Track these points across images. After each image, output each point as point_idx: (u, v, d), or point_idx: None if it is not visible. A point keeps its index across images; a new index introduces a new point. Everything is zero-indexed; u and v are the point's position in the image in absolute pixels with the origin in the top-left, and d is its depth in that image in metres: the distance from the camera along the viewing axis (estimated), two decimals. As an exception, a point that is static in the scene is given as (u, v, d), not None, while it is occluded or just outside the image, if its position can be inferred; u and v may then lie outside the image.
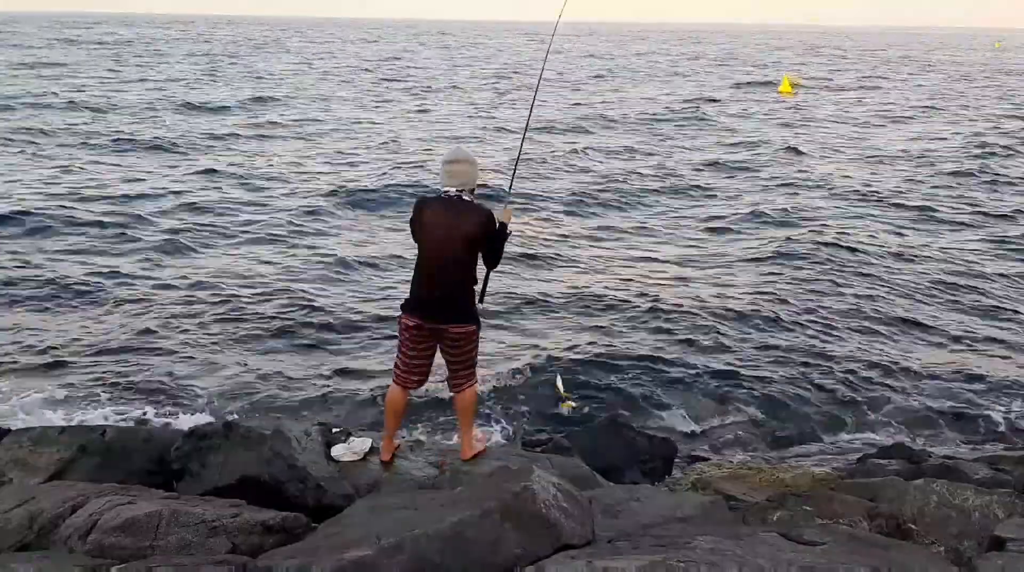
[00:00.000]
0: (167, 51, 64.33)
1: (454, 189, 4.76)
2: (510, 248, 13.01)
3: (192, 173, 18.75)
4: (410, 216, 4.99)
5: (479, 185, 5.00)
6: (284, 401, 8.16)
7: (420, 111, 31.95)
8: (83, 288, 10.91)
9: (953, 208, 16.98)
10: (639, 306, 10.78)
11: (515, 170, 5.77)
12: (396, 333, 5.18)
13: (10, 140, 21.75)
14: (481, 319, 5.03)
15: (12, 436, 5.60)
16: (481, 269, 4.95)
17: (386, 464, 5.19)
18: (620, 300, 11.01)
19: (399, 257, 12.48)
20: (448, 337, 4.89)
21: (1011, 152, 23.55)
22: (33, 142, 21.77)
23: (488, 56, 74.18)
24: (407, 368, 5.05)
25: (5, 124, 24.19)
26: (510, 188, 5.77)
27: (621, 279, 11.93)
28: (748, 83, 46.38)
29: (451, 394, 5.25)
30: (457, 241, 4.72)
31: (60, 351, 9.02)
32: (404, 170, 19.38)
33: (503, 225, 4.83)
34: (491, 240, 4.78)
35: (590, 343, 9.70)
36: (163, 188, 16.99)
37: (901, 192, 18.22)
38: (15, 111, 27.20)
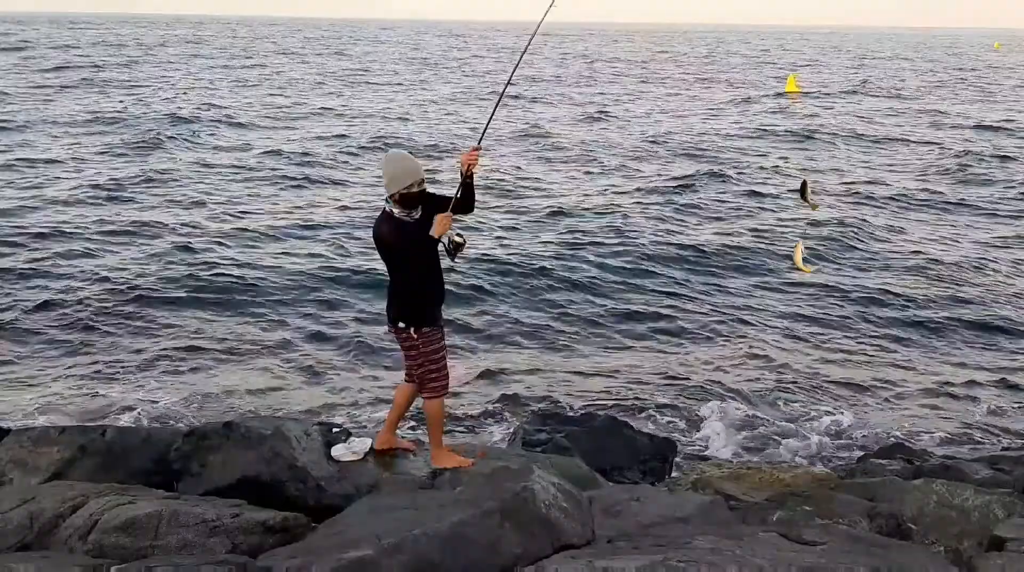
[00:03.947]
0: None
1: (386, 205, 4.73)
2: (506, 248, 13.26)
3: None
4: None
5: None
6: (284, 401, 8.16)
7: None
8: (86, 286, 10.92)
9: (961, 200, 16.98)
10: (637, 306, 10.78)
11: (486, 127, 5.45)
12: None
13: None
14: (443, 327, 4.91)
15: (12, 436, 5.58)
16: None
17: (378, 455, 5.18)
18: (619, 300, 11.02)
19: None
20: (396, 337, 4.96)
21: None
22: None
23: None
24: (405, 365, 5.15)
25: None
26: (480, 139, 5.31)
27: (621, 279, 11.94)
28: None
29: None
30: (385, 253, 4.77)
31: (59, 350, 9.03)
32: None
33: (464, 175, 4.66)
34: (416, 244, 4.62)
35: (590, 342, 9.71)
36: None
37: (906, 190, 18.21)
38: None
